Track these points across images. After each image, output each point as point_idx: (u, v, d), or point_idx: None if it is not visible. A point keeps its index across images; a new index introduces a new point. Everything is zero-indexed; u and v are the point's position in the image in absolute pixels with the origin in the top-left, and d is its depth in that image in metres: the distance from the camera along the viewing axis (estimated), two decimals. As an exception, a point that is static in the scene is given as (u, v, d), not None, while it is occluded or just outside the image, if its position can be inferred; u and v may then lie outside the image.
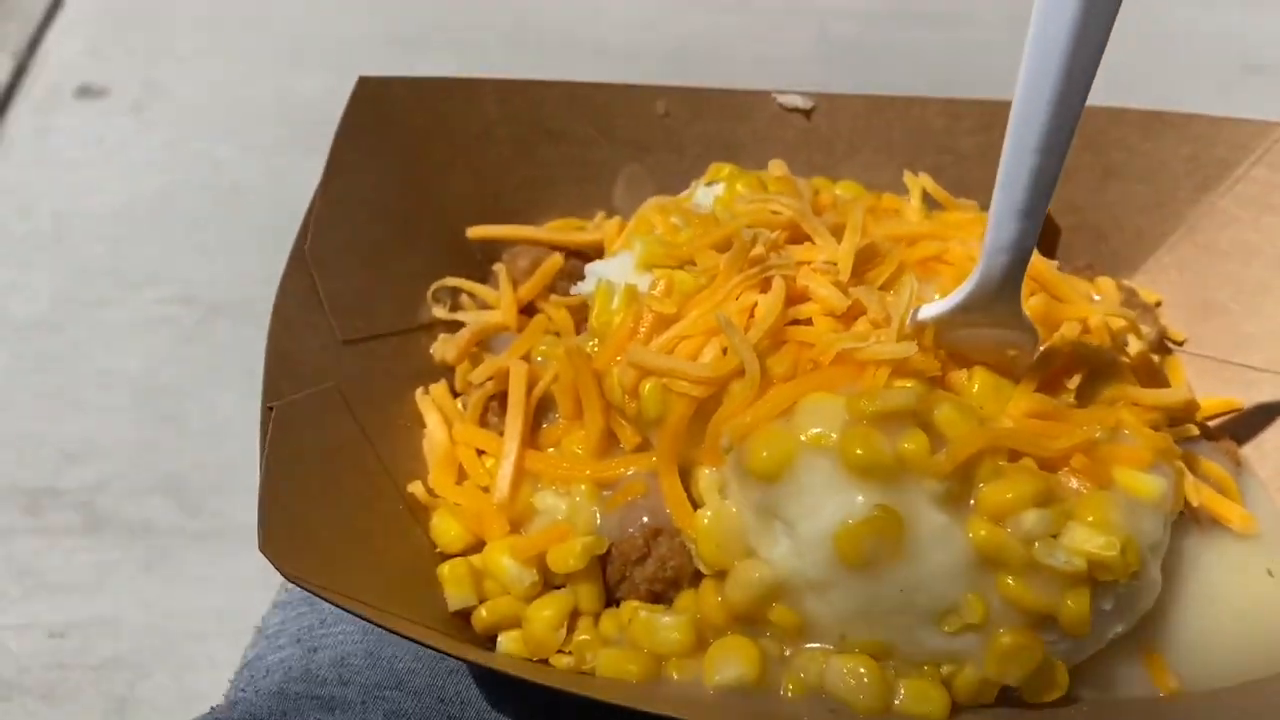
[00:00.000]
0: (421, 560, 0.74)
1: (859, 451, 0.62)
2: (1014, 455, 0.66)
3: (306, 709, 0.72)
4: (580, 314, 0.83)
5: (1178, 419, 0.74)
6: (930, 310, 0.66)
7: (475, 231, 0.88)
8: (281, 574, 0.59)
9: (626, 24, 1.73)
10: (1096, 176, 0.89)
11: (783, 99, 0.91)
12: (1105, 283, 0.84)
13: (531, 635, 0.71)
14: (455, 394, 0.82)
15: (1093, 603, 0.64)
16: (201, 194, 1.53)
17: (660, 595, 0.72)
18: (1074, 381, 0.69)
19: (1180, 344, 0.87)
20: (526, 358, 0.78)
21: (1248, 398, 0.83)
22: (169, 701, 1.16)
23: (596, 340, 0.75)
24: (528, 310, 0.84)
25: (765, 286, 0.71)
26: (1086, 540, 0.63)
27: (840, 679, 0.65)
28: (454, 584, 0.72)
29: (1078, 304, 0.74)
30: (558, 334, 0.81)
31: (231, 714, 0.72)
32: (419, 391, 0.81)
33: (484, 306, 0.85)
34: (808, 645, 0.67)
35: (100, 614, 1.18)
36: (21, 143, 1.57)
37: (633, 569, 0.71)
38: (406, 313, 0.83)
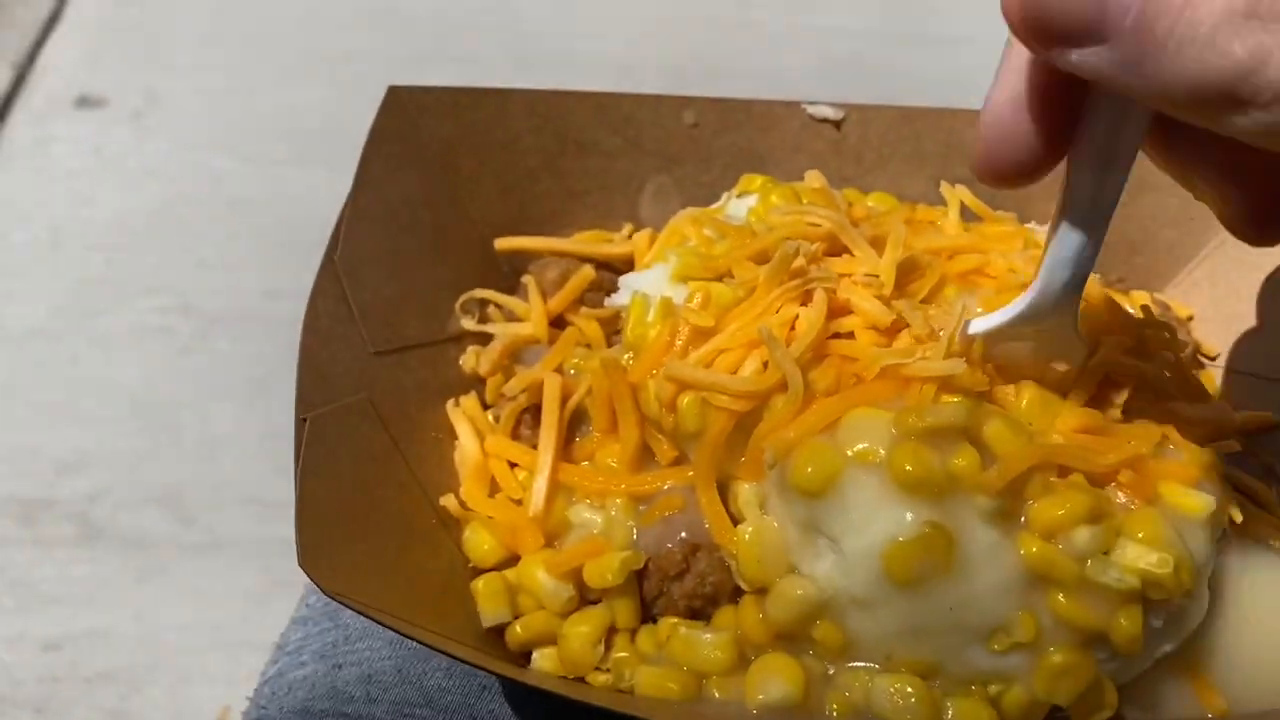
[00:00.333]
0: (454, 575, 0.73)
1: (909, 468, 0.61)
2: (1062, 470, 0.65)
3: (334, 727, 0.71)
4: (610, 326, 0.82)
5: (1218, 434, 0.73)
6: (983, 324, 0.66)
7: (503, 243, 0.87)
8: (323, 591, 0.58)
9: (627, 41, 1.73)
10: (1130, 188, 0.88)
11: (812, 109, 0.91)
12: (1140, 297, 0.83)
13: (568, 652, 0.70)
14: (485, 406, 0.81)
15: (1145, 621, 0.63)
16: (200, 205, 1.53)
17: (698, 612, 0.70)
18: (1121, 397, 0.68)
19: (1213, 359, 0.87)
20: (559, 370, 0.77)
21: (1281, 413, 0.83)
22: (163, 716, 1.15)
23: (631, 353, 0.74)
24: (556, 322, 0.83)
25: (806, 299, 0.70)
26: (1139, 557, 0.62)
27: (887, 699, 0.64)
28: (489, 599, 0.71)
29: (1122, 318, 0.74)
30: (589, 346, 0.80)
31: (257, 732, 0.71)
32: (450, 403, 0.80)
33: (512, 318, 0.84)
34: (852, 664, 0.66)
35: (94, 626, 1.17)
36: (20, 152, 1.56)
37: (671, 585, 0.70)
38: (435, 324, 0.82)
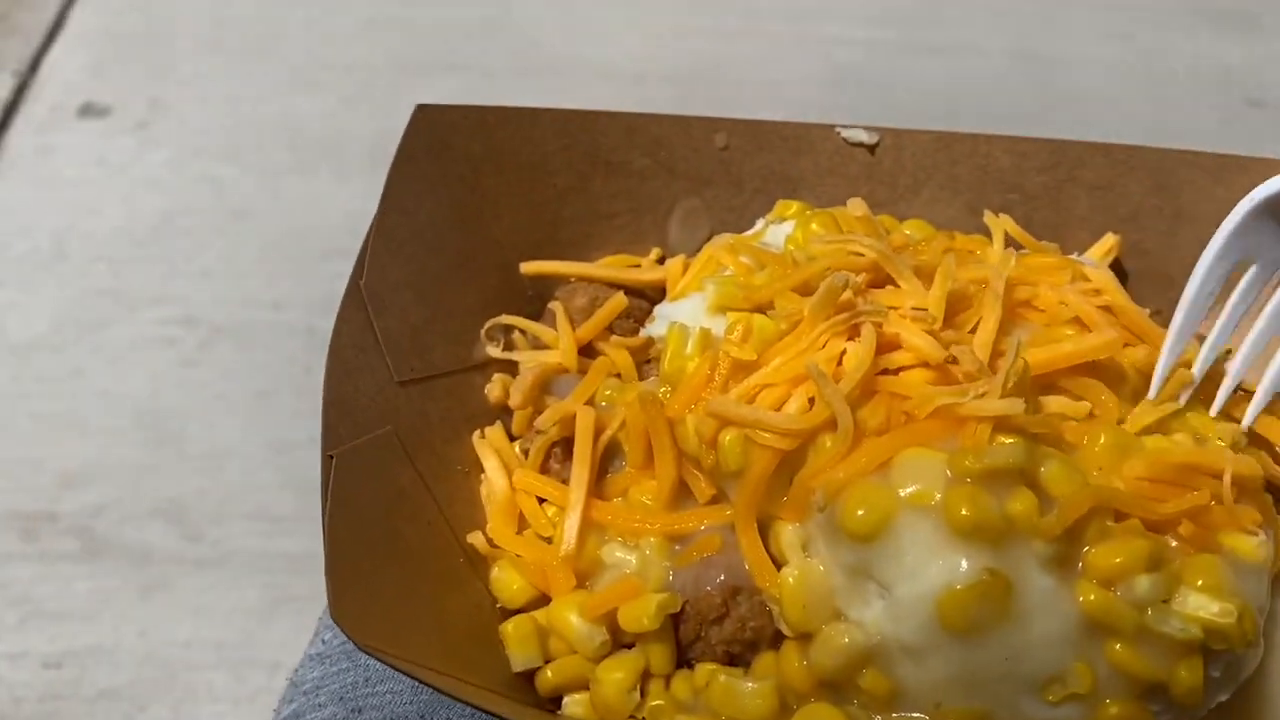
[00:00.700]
0: (483, 616, 0.70)
1: (965, 512, 0.59)
2: (1118, 515, 0.63)
3: (356, 775, 0.68)
4: (640, 355, 0.80)
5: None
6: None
7: (529, 267, 0.85)
8: (356, 646, 0.55)
9: (632, 49, 1.71)
10: (1166, 220, 0.87)
11: (846, 133, 0.88)
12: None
13: (602, 699, 0.67)
14: (511, 437, 0.78)
15: (1205, 672, 0.61)
16: (204, 215, 1.51)
17: (737, 657, 0.68)
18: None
19: (1252, 393, 0.85)
20: (590, 401, 0.75)
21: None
22: (167, 735, 1.13)
23: (668, 386, 0.72)
24: (583, 350, 0.81)
25: (853, 334, 0.67)
26: (1201, 607, 0.60)
27: (936, 750, 0.62)
28: (518, 644, 0.68)
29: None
30: (619, 376, 0.78)
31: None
32: (476, 435, 0.77)
33: (538, 345, 0.81)
34: (899, 714, 0.63)
35: (97, 643, 1.16)
36: (23, 162, 1.54)
37: (709, 629, 0.68)
38: (461, 351, 0.80)
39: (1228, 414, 0.73)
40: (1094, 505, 0.60)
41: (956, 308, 0.71)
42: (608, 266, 0.86)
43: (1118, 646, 0.60)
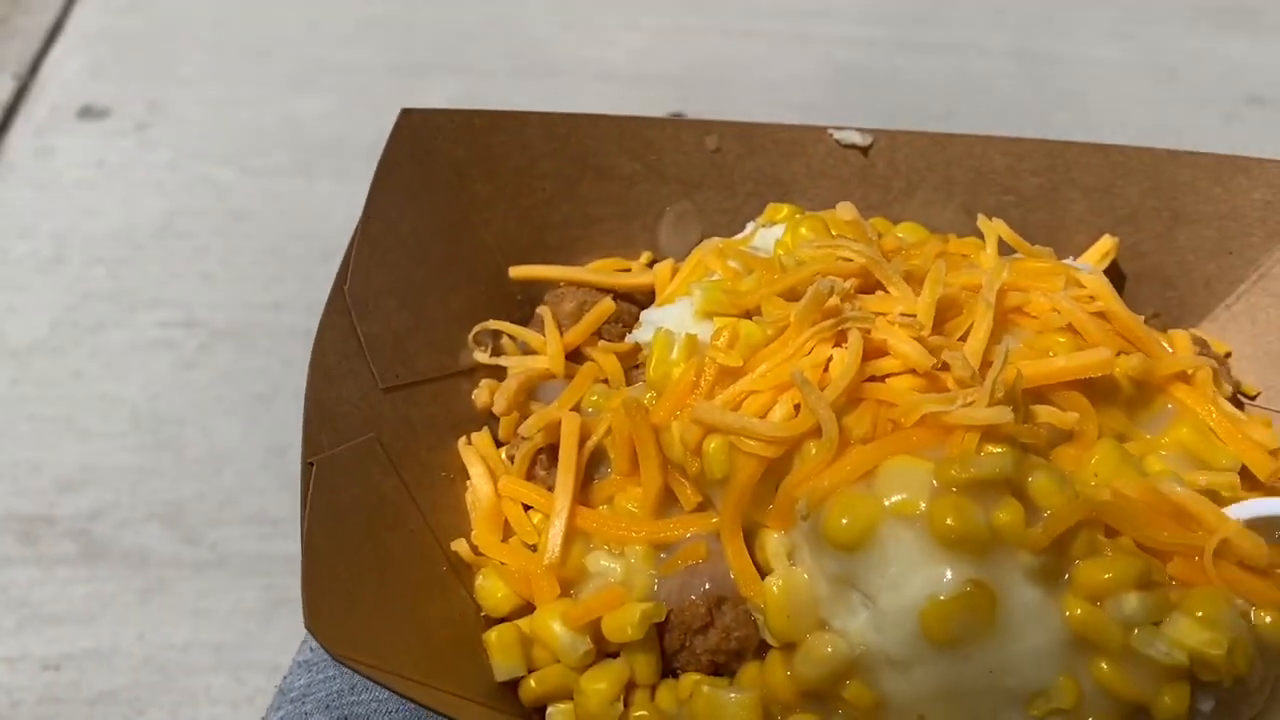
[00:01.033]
0: (466, 624, 0.69)
1: (950, 522, 0.58)
2: (1110, 532, 0.61)
3: (341, 784, 0.68)
4: (629, 360, 0.79)
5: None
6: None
7: (518, 271, 0.84)
8: (330, 655, 0.55)
9: (631, 49, 1.70)
10: (1164, 222, 0.86)
11: (839, 135, 0.87)
12: (1179, 336, 0.80)
13: (585, 709, 0.66)
14: (498, 443, 0.78)
15: (1192, 702, 0.59)
16: (203, 217, 1.50)
17: (721, 667, 0.67)
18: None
19: (1253, 397, 0.84)
20: (576, 408, 0.74)
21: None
22: (165, 737, 1.13)
23: (654, 393, 0.71)
24: (571, 355, 0.80)
25: (839, 340, 0.67)
26: (1190, 634, 0.58)
27: (919, 763, 0.61)
28: (501, 653, 0.68)
29: (1170, 363, 0.71)
30: (606, 382, 0.77)
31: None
32: (461, 441, 0.77)
33: (526, 350, 0.80)
34: (883, 726, 0.63)
35: (95, 646, 1.15)
36: (22, 163, 1.54)
37: (694, 639, 0.67)
38: (446, 357, 0.79)
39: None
40: (1083, 518, 0.59)
41: (947, 314, 0.70)
42: (597, 271, 0.85)
43: (1103, 664, 0.59)
